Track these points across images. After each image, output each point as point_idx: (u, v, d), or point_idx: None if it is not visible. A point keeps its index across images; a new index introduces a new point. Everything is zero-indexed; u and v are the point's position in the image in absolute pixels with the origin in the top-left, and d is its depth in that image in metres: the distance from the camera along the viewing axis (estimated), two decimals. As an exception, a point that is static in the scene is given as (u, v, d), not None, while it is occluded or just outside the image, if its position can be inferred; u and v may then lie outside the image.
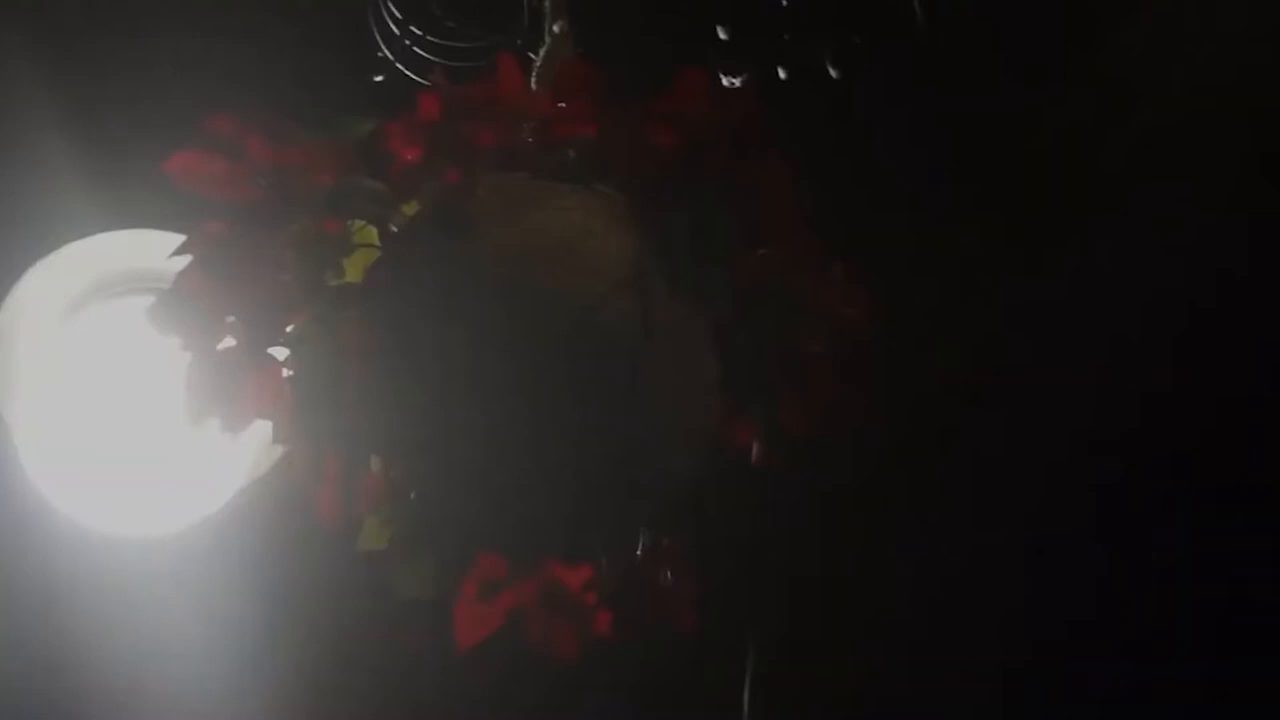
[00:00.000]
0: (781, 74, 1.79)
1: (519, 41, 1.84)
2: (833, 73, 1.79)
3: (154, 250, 1.85)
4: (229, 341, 1.32)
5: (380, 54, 1.95)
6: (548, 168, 1.30)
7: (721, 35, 1.81)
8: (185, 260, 1.35)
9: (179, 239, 1.86)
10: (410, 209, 1.31)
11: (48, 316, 1.79)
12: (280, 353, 1.33)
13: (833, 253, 1.33)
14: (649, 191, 1.28)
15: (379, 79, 1.94)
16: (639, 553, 1.44)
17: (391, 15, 1.94)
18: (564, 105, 1.36)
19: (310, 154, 1.31)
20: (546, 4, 1.76)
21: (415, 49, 1.93)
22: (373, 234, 1.36)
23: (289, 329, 1.32)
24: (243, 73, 1.98)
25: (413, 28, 1.93)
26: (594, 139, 1.31)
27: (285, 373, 1.32)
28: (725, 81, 1.77)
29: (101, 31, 1.97)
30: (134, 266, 1.85)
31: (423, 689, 1.42)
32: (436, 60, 1.92)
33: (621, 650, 1.40)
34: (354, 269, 1.36)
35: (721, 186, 1.28)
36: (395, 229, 1.30)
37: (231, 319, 1.31)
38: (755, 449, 1.41)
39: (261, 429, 1.36)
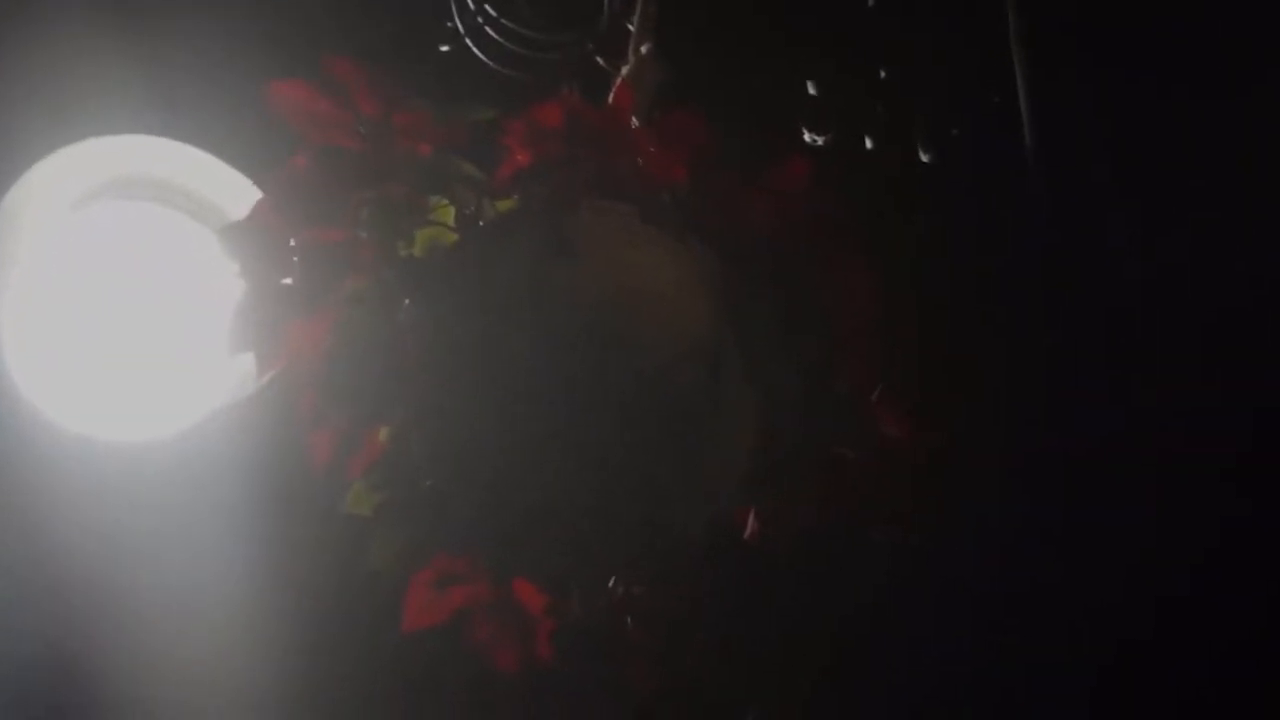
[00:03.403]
0: (868, 143, 1.87)
1: (591, 45, 1.92)
2: (923, 156, 1.88)
3: (171, 160, 1.92)
4: (287, 281, 1.39)
5: (450, 24, 2.01)
6: (645, 204, 1.38)
7: (811, 90, 1.89)
8: (248, 191, 1.42)
9: (200, 155, 1.95)
10: (505, 205, 1.39)
11: (55, 206, 1.85)
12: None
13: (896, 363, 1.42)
14: (740, 265, 1.36)
15: (445, 48, 2.01)
16: (608, 596, 1.53)
17: (471, -12, 2.01)
18: (665, 147, 1.44)
19: (418, 121, 1.38)
20: (634, 22, 1.84)
21: (487, 28, 2.00)
22: (449, 214, 1.43)
23: (349, 285, 1.39)
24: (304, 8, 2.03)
25: (488, 6, 2.00)
26: (691, 191, 1.40)
27: (332, 325, 1.39)
28: (807, 137, 1.86)
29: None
30: (149, 173, 1.91)
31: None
32: (505, 43, 1.99)
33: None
34: (420, 244, 1.44)
35: (808, 279, 1.38)
36: (482, 222, 1.38)
37: (295, 259, 1.38)
38: (750, 526, 1.50)
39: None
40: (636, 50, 1.80)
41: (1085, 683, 2.01)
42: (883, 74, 1.89)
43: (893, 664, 1.99)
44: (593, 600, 1.50)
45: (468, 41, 1.99)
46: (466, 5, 2.00)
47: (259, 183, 1.41)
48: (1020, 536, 1.99)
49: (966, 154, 1.89)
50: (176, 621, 1.94)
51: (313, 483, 1.44)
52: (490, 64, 1.97)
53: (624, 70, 1.78)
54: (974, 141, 1.90)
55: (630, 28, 1.82)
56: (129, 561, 1.91)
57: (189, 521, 1.91)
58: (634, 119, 1.55)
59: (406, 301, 1.38)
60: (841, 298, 1.39)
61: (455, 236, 1.40)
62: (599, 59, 1.89)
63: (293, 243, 1.38)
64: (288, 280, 1.38)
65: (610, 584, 1.51)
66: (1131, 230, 1.90)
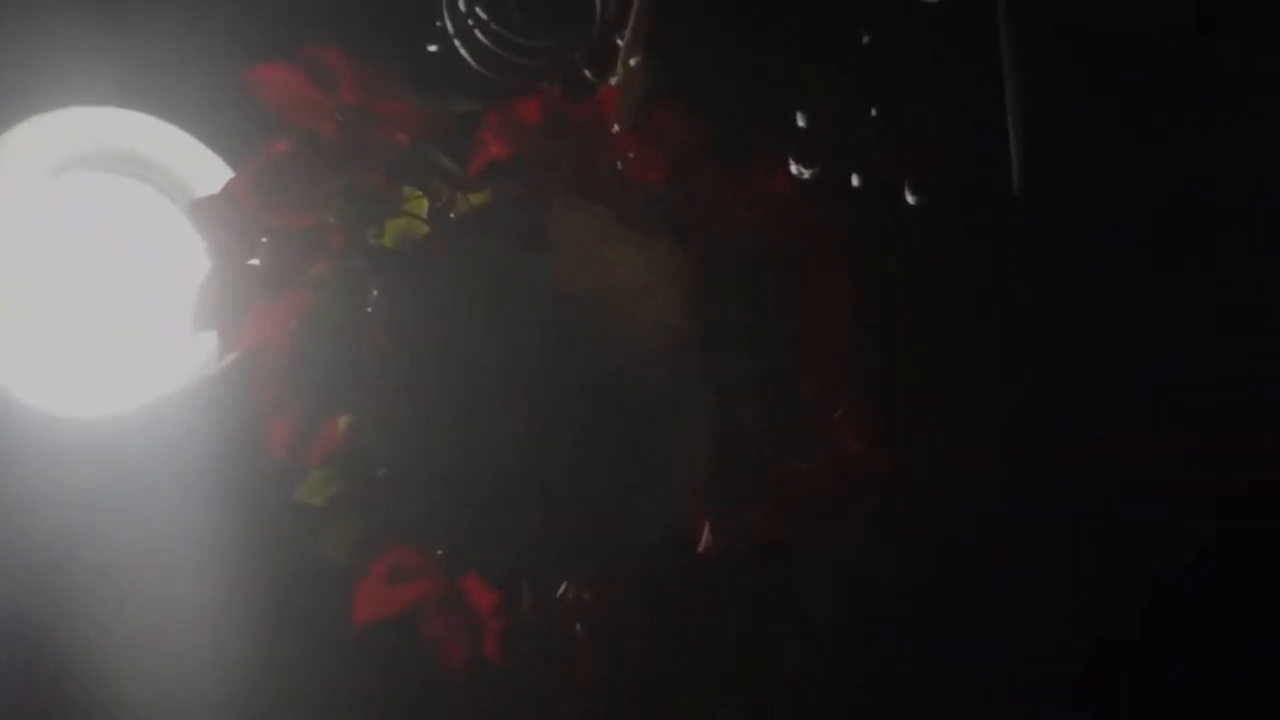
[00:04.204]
0: (855, 180, 1.88)
1: (579, 54, 1.93)
2: (910, 198, 1.89)
3: (149, 136, 1.92)
4: (254, 262, 1.39)
5: (439, 24, 2.02)
6: (622, 205, 1.39)
7: (800, 122, 1.91)
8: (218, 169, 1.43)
9: (179, 134, 1.95)
10: (478, 199, 1.40)
11: (24, 176, 1.85)
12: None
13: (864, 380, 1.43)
14: (715, 265, 1.37)
15: (432, 49, 2.02)
16: (558, 598, 1.53)
17: (463, -9, 2.01)
18: (647, 148, 1.45)
19: (398, 110, 1.39)
20: (624, 36, 1.85)
21: (476, 30, 2.01)
22: (423, 206, 1.44)
23: (316, 271, 1.40)
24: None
25: (479, 9, 2.01)
26: (673, 189, 1.41)
27: (297, 311, 1.40)
28: (794, 169, 1.87)
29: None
30: (124, 147, 1.92)
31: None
32: (492, 48, 2.00)
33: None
34: (390, 234, 1.45)
35: (784, 285, 1.38)
36: (454, 215, 1.38)
37: (265, 241, 1.39)
38: (705, 538, 1.51)
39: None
40: (625, 63, 1.81)
41: (1073, 682, 2.02)
42: (873, 111, 1.91)
43: (878, 663, 2.00)
44: (544, 602, 1.51)
45: (456, 43, 2.01)
46: (457, 6, 2.01)
47: (236, 164, 1.41)
48: (1010, 536, 2.00)
49: (954, 173, 1.91)
50: (128, 602, 1.94)
51: (270, 468, 1.45)
52: (477, 67, 1.98)
53: (611, 81, 1.79)
54: (962, 159, 1.92)
55: (620, 41, 1.83)
56: (80, 537, 1.91)
57: (139, 503, 1.91)
58: (617, 125, 1.57)
59: (374, 292, 1.38)
60: (816, 308, 1.40)
61: (426, 229, 1.41)
62: (586, 71, 1.91)
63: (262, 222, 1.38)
64: (254, 261, 1.39)
65: (562, 588, 1.52)
66: (1118, 239, 1.92)
